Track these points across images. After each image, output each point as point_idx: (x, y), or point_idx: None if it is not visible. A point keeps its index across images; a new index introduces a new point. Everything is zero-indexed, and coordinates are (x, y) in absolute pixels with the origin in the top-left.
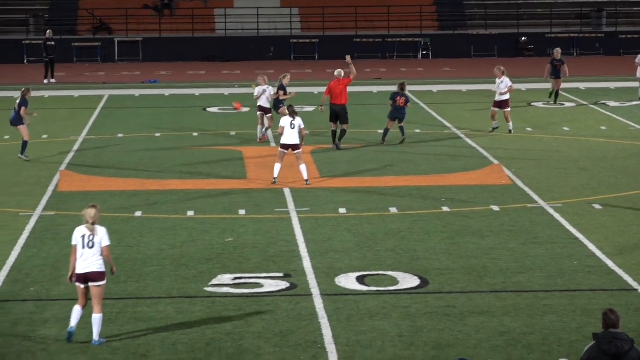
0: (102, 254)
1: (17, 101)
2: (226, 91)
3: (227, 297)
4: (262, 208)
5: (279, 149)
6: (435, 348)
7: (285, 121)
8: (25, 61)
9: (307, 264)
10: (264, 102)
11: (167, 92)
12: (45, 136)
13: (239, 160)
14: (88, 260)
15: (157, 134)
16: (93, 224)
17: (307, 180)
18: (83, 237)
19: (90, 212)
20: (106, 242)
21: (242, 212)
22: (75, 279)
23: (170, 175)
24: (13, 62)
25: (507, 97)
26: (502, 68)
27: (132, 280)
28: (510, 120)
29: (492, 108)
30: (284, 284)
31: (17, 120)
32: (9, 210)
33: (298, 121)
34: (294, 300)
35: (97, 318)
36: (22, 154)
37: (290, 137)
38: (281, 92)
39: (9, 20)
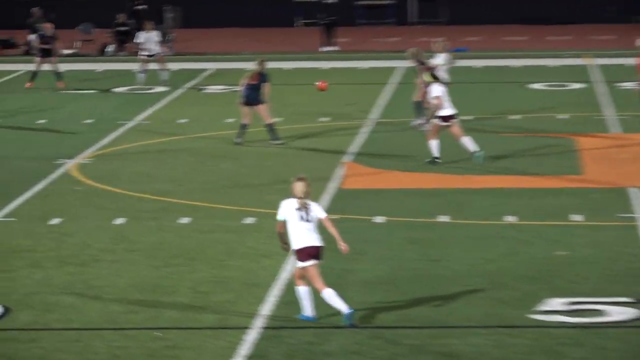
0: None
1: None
2: (552, 62)
3: (559, 328)
4: (601, 213)
5: (438, 122)
6: None
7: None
8: (294, 24)
9: None
10: None
11: (477, 63)
12: (324, 119)
13: (572, 151)
14: (312, 235)
15: (467, 117)
16: (304, 198)
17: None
18: (299, 209)
19: (299, 186)
20: (323, 213)
21: (576, 218)
22: (304, 255)
23: (481, 169)
24: (280, 25)
25: None
26: None
27: (435, 304)
28: None
29: None
30: (633, 312)
31: (254, 99)
32: None
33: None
34: None
35: (332, 292)
36: (273, 140)
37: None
38: None
39: None
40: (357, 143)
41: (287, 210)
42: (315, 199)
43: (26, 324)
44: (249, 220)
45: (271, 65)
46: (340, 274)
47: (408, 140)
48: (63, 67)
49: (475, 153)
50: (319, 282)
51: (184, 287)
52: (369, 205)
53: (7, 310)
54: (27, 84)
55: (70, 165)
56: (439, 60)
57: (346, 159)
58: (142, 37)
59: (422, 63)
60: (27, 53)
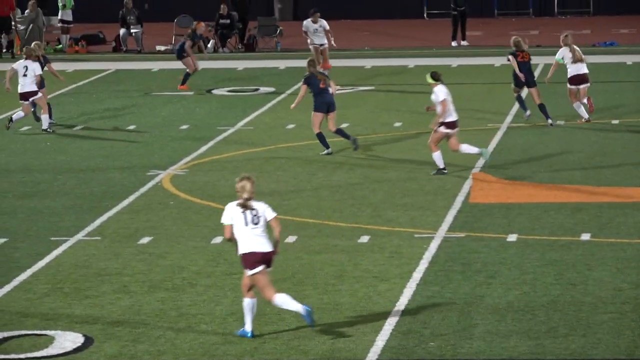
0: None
1: None
2: None
3: None
4: None
5: (443, 129)
6: None
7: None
8: (425, 15)
9: None
10: None
11: (629, 59)
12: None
13: None
14: (259, 239)
15: (615, 121)
16: (249, 199)
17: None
18: (244, 212)
19: (246, 186)
20: (272, 213)
21: None
22: (250, 262)
23: (630, 180)
24: (410, 16)
25: None
26: None
27: (576, 334)
28: None
29: None
30: None
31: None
32: (400, 230)
33: None
34: None
35: (285, 296)
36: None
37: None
38: None
39: None
40: (489, 150)
41: (233, 213)
42: (441, 214)
43: (111, 356)
44: (364, 239)
45: (396, 62)
46: (468, 300)
47: (548, 149)
48: (159, 65)
49: (482, 152)
50: (269, 291)
51: (289, 315)
52: (501, 222)
53: (88, 340)
54: (181, 86)
55: (163, 176)
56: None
57: (475, 169)
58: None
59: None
60: (117, 49)
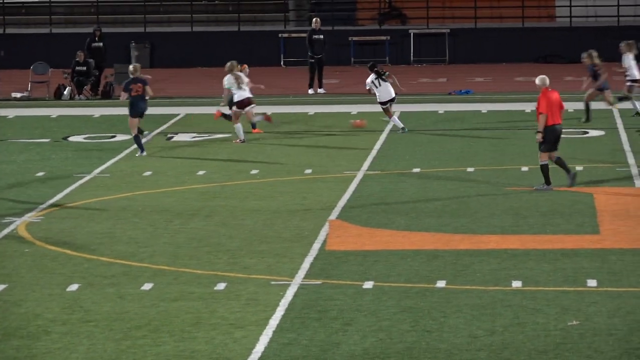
0: None
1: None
2: (573, 106)
3: None
4: (622, 278)
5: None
6: None
7: None
8: (282, 63)
9: None
10: None
11: (484, 107)
12: (308, 171)
13: (588, 207)
14: None
15: (470, 169)
16: None
17: None
18: None
19: None
20: None
21: (592, 283)
22: None
23: (486, 228)
24: (265, 64)
25: None
26: None
27: None
28: None
29: None
30: None
31: None
32: (257, 278)
33: None
34: None
35: None
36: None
37: None
38: None
39: (260, 4)
40: (344, 197)
41: None
42: (297, 261)
43: None
44: (221, 286)
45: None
46: (324, 347)
47: (404, 195)
48: (11, 112)
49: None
50: None
51: None
52: (357, 269)
53: None
54: None
55: (18, 223)
56: None
57: (333, 216)
58: None
59: None
60: None
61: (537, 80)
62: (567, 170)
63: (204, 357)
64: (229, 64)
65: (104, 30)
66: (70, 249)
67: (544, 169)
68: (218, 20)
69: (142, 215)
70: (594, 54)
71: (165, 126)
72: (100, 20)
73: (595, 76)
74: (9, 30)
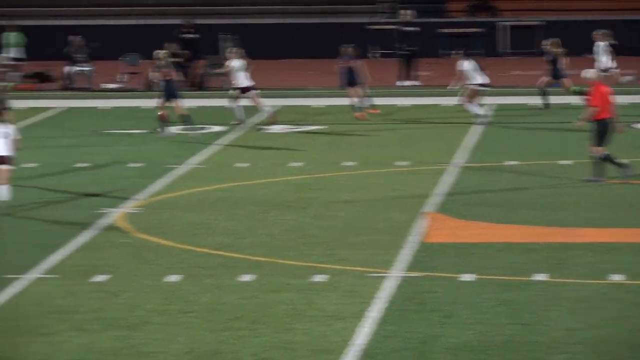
0: None
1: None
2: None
3: None
4: None
5: None
6: None
7: None
8: (368, 54)
9: None
10: None
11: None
12: (400, 163)
13: None
14: None
15: (563, 162)
16: None
17: None
18: None
19: None
20: None
21: None
22: None
23: (584, 220)
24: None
25: None
26: None
27: None
28: None
29: None
30: None
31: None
32: (354, 270)
33: None
34: None
35: None
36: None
37: None
38: None
39: None
40: (437, 190)
41: None
42: (392, 253)
43: None
44: (319, 278)
45: (339, 101)
46: (423, 340)
47: (500, 188)
48: (105, 103)
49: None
50: None
51: (245, 354)
52: (454, 261)
53: None
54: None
55: (116, 214)
56: None
57: (428, 208)
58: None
59: None
60: (66, 88)
61: (591, 74)
62: (618, 164)
63: (303, 348)
64: None
65: (195, 21)
66: (169, 240)
67: (605, 159)
68: (306, 12)
69: (238, 207)
70: (558, 42)
71: (258, 117)
72: (190, 12)
73: (554, 64)
74: (102, 22)
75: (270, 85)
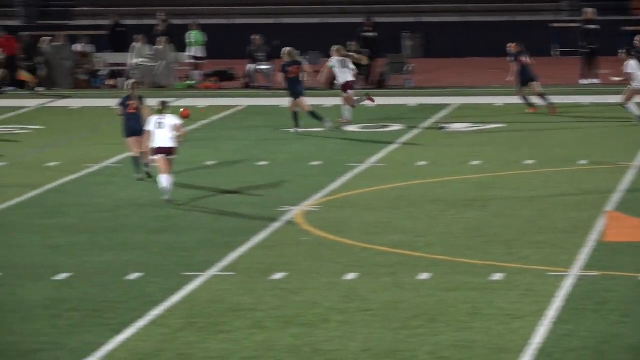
0: None
1: None
2: None
3: None
4: None
5: None
6: None
7: None
8: (551, 52)
9: None
10: None
11: None
12: (582, 161)
13: None
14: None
15: None
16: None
17: None
18: None
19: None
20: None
21: None
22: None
23: None
24: (535, 54)
25: None
26: None
27: None
28: None
29: None
30: None
31: None
32: (533, 268)
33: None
34: None
35: None
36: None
37: None
38: None
39: None
40: (619, 188)
41: None
42: (573, 252)
43: None
44: (497, 276)
45: (518, 100)
46: (602, 339)
47: None
48: (285, 101)
49: None
50: None
51: (423, 352)
52: (634, 260)
53: None
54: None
55: (295, 212)
56: None
57: (609, 207)
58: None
59: None
60: (248, 86)
61: None
62: None
63: (481, 347)
64: None
65: (375, 20)
66: (347, 238)
67: None
68: (489, 10)
69: (417, 205)
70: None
71: (438, 116)
72: (372, 10)
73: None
74: (282, 20)
75: (451, 83)
